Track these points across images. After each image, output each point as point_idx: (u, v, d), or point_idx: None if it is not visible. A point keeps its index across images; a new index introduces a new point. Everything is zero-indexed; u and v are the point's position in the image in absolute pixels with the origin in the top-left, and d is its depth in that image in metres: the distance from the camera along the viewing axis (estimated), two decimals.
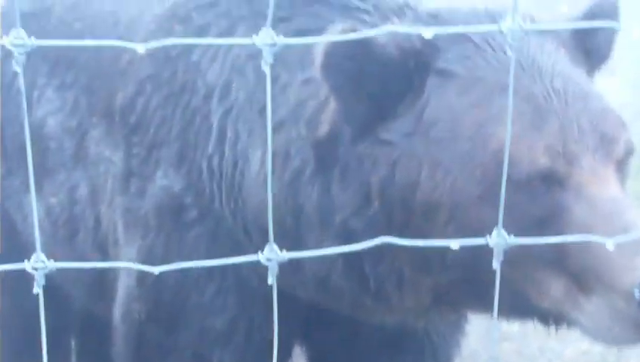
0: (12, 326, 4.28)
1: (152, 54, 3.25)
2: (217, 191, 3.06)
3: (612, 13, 2.87)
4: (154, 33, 3.31)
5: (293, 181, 2.86)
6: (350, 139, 2.73)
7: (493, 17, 2.70)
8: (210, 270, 3.10)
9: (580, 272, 2.45)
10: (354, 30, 2.54)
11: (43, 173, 3.58)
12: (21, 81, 1.72)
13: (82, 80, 3.60)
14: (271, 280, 1.91)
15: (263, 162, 2.93)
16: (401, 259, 2.71)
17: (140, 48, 1.81)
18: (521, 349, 5.29)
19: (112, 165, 3.37)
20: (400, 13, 2.89)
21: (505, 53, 2.66)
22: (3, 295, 4.19)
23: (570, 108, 2.58)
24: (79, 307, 4.19)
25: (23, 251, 3.88)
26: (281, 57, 2.87)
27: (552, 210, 2.51)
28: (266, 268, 2.92)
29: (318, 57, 2.65)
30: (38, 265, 1.81)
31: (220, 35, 3.15)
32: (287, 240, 2.82)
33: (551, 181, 2.52)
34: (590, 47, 2.87)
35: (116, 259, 3.40)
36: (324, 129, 2.80)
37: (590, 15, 2.86)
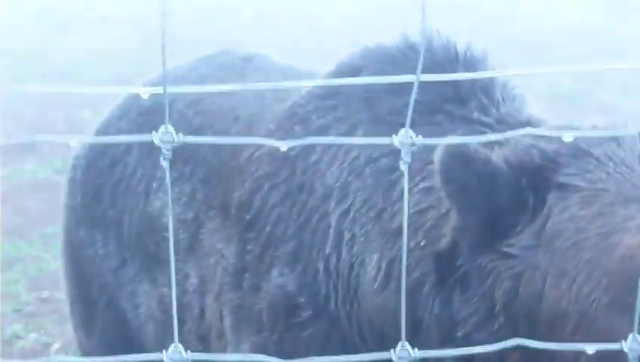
0: None
1: (270, 153, 3.31)
2: (334, 292, 3.08)
3: None
4: (273, 133, 3.37)
5: (413, 293, 2.87)
6: (469, 252, 2.75)
7: (615, 136, 2.75)
8: None
9: None
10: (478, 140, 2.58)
11: (157, 263, 3.64)
12: (167, 176, 1.76)
13: (200, 173, 3.66)
14: None
15: (379, 268, 2.95)
16: None
17: (283, 146, 1.84)
18: None
19: (224, 259, 3.41)
20: (524, 127, 2.90)
21: (627, 166, 2.68)
22: None
23: None
24: None
25: (127, 339, 3.94)
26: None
27: None
28: None
29: (436, 163, 2.69)
30: (176, 355, 1.86)
31: (339, 136, 3.20)
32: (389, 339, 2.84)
33: None
34: None
35: (222, 352, 3.41)
36: (445, 242, 2.82)
37: None
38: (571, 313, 2.60)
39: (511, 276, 2.68)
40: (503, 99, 3.11)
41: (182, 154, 3.73)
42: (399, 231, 2.92)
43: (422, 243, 2.87)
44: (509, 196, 2.69)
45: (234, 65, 3.98)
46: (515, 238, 2.70)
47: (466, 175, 2.67)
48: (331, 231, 3.10)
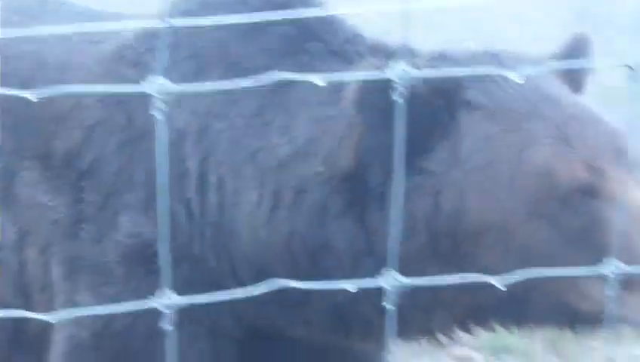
0: None
1: (102, 100, 3.19)
2: (199, 236, 3.06)
3: (585, 51, 3.19)
4: (103, 77, 3.25)
5: (315, 218, 2.92)
6: (385, 173, 2.82)
7: (496, 57, 2.96)
8: (181, 317, 3.05)
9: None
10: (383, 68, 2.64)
11: None
12: None
13: (7, 123, 3.46)
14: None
15: (259, 203, 2.96)
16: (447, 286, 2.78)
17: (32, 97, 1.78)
18: None
19: (52, 211, 3.27)
20: (407, 54, 2.99)
21: (516, 84, 2.87)
22: None
23: (588, 129, 2.84)
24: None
25: None
26: (274, 102, 2.94)
27: (592, 220, 2.75)
28: (243, 310, 2.96)
29: (351, 93, 2.77)
30: None
31: (184, 79, 3.07)
32: (298, 277, 2.87)
33: (589, 193, 2.76)
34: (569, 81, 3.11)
35: (46, 305, 3.28)
36: (348, 164, 2.88)
37: (566, 53, 3.17)
38: (493, 225, 2.79)
39: (431, 193, 2.82)
40: (355, 31, 3.21)
41: None
42: (283, 163, 2.95)
43: (320, 170, 2.92)
44: (424, 115, 2.80)
45: (30, 8, 3.76)
46: (432, 157, 2.84)
47: (381, 95, 2.66)
48: (191, 175, 3.06)
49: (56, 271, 3.25)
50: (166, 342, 1.96)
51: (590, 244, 2.72)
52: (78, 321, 3.17)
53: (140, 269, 3.08)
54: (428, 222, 2.82)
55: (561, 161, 2.78)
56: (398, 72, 1.82)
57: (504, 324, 3.06)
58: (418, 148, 2.80)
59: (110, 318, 3.06)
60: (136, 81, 3.13)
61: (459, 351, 5.86)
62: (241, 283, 3.01)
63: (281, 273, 2.95)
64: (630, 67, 1.96)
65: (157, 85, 1.66)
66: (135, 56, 3.25)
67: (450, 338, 3.19)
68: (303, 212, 2.93)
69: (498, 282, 2.07)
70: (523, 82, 2.78)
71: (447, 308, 2.93)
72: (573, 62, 3.15)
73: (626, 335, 5.78)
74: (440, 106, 2.85)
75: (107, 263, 3.13)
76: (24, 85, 3.26)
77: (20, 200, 3.38)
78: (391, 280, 1.88)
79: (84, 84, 3.24)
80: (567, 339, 5.74)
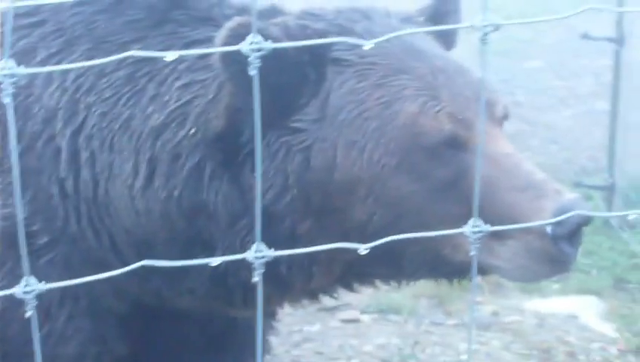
0: None
1: None
2: (74, 214, 3.02)
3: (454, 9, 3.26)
4: None
5: (191, 181, 2.91)
6: (252, 131, 2.80)
7: (364, 13, 2.99)
8: (62, 296, 3.04)
9: (492, 221, 2.52)
10: (247, 24, 2.62)
11: None
12: None
13: None
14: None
15: (136, 173, 2.95)
16: (320, 241, 2.74)
17: None
18: (322, 349, 5.46)
19: None
20: (275, 14, 3.02)
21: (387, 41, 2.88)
22: None
23: (454, 82, 2.88)
24: None
25: None
26: (144, 71, 2.93)
27: (458, 171, 2.79)
28: (125, 286, 2.94)
29: (217, 56, 2.74)
30: None
31: (50, 57, 3.09)
32: (176, 247, 2.92)
33: (455, 145, 2.80)
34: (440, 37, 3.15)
35: None
36: (220, 124, 2.88)
37: (435, 11, 3.23)
38: (364, 178, 2.81)
39: (301, 149, 2.83)
40: None
41: None
42: (156, 129, 2.94)
43: (192, 132, 2.91)
44: (292, 72, 2.81)
45: None
46: (301, 113, 2.85)
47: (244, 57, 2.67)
48: (63, 153, 3.01)
49: None
50: (31, 327, 1.92)
51: (458, 195, 2.76)
52: None
53: (14, 251, 3.02)
54: (299, 179, 2.84)
55: (427, 114, 2.81)
56: (247, 45, 1.81)
57: (383, 280, 3.12)
58: (288, 106, 2.84)
59: None
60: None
61: (346, 314, 5.92)
62: (122, 257, 3.00)
63: (160, 241, 2.96)
64: (496, 26, 1.94)
65: (4, 69, 1.61)
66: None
67: (334, 297, 3.23)
68: (179, 176, 2.92)
69: (363, 249, 2.07)
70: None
71: (325, 266, 2.94)
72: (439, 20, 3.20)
73: (509, 288, 5.90)
74: (307, 64, 2.85)
75: None
76: None
77: None
78: (256, 253, 1.88)
79: None
80: (453, 296, 5.85)
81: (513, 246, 2.76)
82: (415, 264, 2.92)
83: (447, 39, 3.20)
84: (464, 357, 5.38)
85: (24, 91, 3.07)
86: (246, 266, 2.73)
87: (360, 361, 5.40)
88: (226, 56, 2.72)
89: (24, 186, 3.04)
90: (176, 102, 2.96)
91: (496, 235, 2.67)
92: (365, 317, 5.88)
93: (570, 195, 2.75)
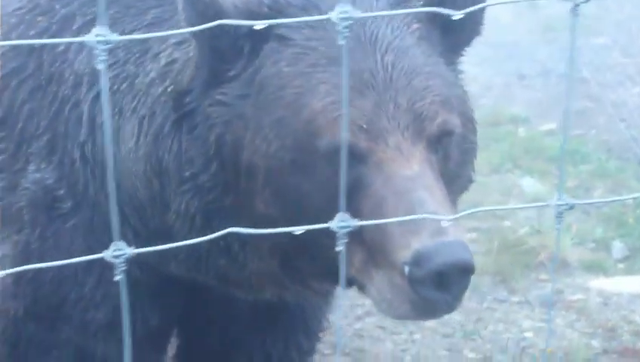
0: None
1: (14, 48, 3.19)
2: (92, 178, 3.03)
3: None
4: (17, 26, 3.24)
5: (156, 137, 2.85)
6: (199, 93, 2.78)
7: None
8: (89, 262, 3.05)
9: (371, 246, 2.53)
10: None
11: None
12: None
13: None
14: (119, 277, 1.91)
15: (132, 133, 2.91)
16: (239, 223, 2.68)
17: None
18: (384, 323, 5.45)
19: None
20: None
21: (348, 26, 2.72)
22: None
23: (392, 85, 2.65)
24: None
25: None
26: (152, 31, 2.93)
27: (353, 183, 2.55)
28: (147, 257, 2.96)
29: (179, 7, 2.68)
30: None
31: (86, 23, 3.12)
32: (156, 206, 2.88)
33: (352, 155, 2.54)
34: (451, 25, 2.83)
35: None
36: (185, 79, 2.81)
37: None
38: (261, 167, 2.68)
39: (222, 123, 2.73)
40: None
41: None
42: (148, 85, 2.91)
43: (169, 88, 2.85)
44: (227, 42, 2.71)
45: None
46: (228, 86, 2.74)
47: (199, 17, 2.61)
48: (84, 118, 3.03)
49: None
50: (121, 292, 1.94)
51: (352, 209, 2.43)
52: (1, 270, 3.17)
53: (43, 216, 3.08)
54: (217, 153, 2.74)
55: (326, 116, 2.61)
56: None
57: (317, 280, 2.95)
58: (219, 76, 2.74)
59: (24, 264, 3.06)
60: (48, 29, 3.18)
61: None
62: (128, 223, 2.98)
63: (148, 204, 2.93)
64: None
65: (98, 36, 1.63)
66: (47, 4, 3.23)
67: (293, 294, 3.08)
68: (150, 133, 2.87)
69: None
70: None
71: (257, 250, 2.84)
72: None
73: (574, 267, 5.84)
74: (244, 36, 2.73)
75: (20, 211, 3.13)
76: None
77: None
78: (339, 223, 1.93)
79: (3, 34, 3.24)
80: (516, 274, 5.82)
81: (381, 278, 2.56)
82: (318, 269, 2.81)
83: (461, 29, 2.89)
84: (528, 334, 5.35)
85: (60, 57, 3.12)
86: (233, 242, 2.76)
87: (422, 336, 5.39)
88: (187, 10, 2.65)
89: (53, 151, 3.09)
90: (167, 58, 2.91)
91: (374, 261, 2.54)
92: None
93: (445, 238, 2.46)
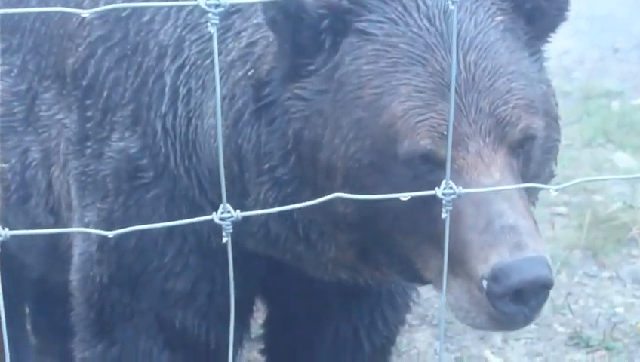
0: None
1: (102, 15, 3.20)
2: (172, 150, 3.04)
3: None
4: None
5: (235, 122, 2.82)
6: (277, 85, 2.74)
7: None
8: (170, 232, 3.08)
9: (450, 253, 2.45)
10: None
11: None
12: None
13: (29, 43, 3.53)
14: (225, 239, 1.90)
15: (213, 112, 2.89)
16: (316, 213, 2.71)
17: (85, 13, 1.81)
18: None
19: (66, 129, 3.32)
20: None
21: (429, 20, 2.65)
22: None
23: (474, 86, 2.58)
24: (34, 275, 4.09)
25: None
26: (238, 7, 2.91)
27: (433, 188, 2.41)
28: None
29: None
30: None
31: None
32: (236, 188, 2.85)
33: (432, 162, 2.53)
34: (535, 11, 2.79)
35: (70, 223, 3.36)
36: (265, 67, 2.78)
37: None
38: (340, 168, 2.64)
39: (300, 118, 2.69)
40: None
41: (9, 25, 3.57)
42: (229, 65, 2.88)
43: (250, 73, 2.82)
44: (308, 36, 2.67)
45: None
46: (307, 81, 2.69)
47: (280, 12, 2.62)
48: (167, 89, 3.03)
49: (72, 189, 3.32)
50: (228, 254, 1.98)
51: (428, 215, 2.53)
52: (87, 237, 3.25)
53: (126, 185, 3.11)
54: (295, 147, 2.70)
55: (407, 122, 2.55)
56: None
57: (387, 269, 2.92)
58: (299, 70, 2.69)
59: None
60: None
61: None
62: (207, 198, 2.99)
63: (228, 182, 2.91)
64: None
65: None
66: None
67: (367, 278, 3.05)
68: (230, 116, 2.84)
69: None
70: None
71: (334, 241, 2.82)
72: None
73: None
74: (325, 30, 2.67)
75: (104, 179, 3.17)
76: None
77: (42, 120, 3.45)
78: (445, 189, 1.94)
79: (86, 2, 3.28)
80: (608, 249, 5.75)
81: (459, 287, 2.54)
82: (394, 264, 2.80)
83: (544, 14, 2.81)
84: (619, 309, 5.29)
85: (145, 27, 3.12)
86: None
87: None
88: (268, 5, 2.62)
89: (136, 121, 3.10)
90: (247, 39, 2.87)
91: (451, 269, 2.49)
92: None
93: (524, 254, 2.45)
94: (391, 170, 2.59)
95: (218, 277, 3.12)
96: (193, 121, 2.98)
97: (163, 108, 3.04)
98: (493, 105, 2.58)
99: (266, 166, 2.76)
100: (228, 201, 2.80)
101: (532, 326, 5.15)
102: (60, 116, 3.37)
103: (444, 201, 2.02)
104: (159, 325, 3.24)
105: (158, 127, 3.06)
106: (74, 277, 3.36)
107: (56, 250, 3.56)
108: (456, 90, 2.56)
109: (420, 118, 2.55)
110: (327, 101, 2.67)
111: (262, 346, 3.93)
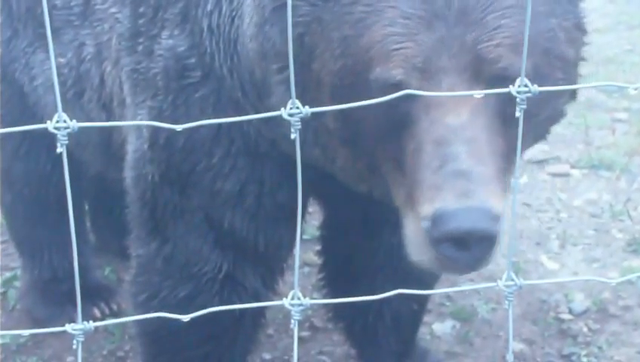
0: (24, 190, 4.20)
1: None
2: (217, 50, 2.99)
3: None
4: None
5: (260, 20, 2.78)
6: None
7: None
8: (217, 133, 3.06)
9: (409, 186, 2.45)
10: None
11: (50, 33, 3.46)
12: None
13: None
14: (293, 135, 1.84)
15: (252, 13, 2.82)
16: (315, 122, 2.69)
17: None
18: (529, 200, 5.45)
19: (119, 24, 3.30)
20: None
21: None
22: (14, 160, 4.08)
23: (464, 19, 2.46)
24: (92, 172, 4.12)
25: (30, 114, 3.82)
26: None
27: (402, 117, 2.46)
28: (267, 132, 2.95)
29: None
30: (61, 125, 1.75)
31: None
32: (264, 88, 2.82)
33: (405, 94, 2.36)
34: None
35: (122, 119, 3.36)
36: None
37: None
38: (327, 83, 2.59)
39: (303, 22, 2.62)
40: None
41: None
42: None
43: None
44: None
45: None
46: None
47: None
48: None
49: (125, 86, 3.30)
50: (295, 152, 1.96)
51: (398, 146, 2.48)
52: (140, 135, 3.24)
53: (175, 83, 3.07)
54: (301, 48, 2.62)
55: (382, 49, 2.47)
56: None
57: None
58: None
59: (157, 131, 3.09)
60: None
61: (556, 167, 5.81)
62: (248, 99, 2.95)
63: (258, 81, 2.87)
64: None
65: None
66: None
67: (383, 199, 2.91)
68: (259, 14, 2.78)
69: None
70: None
71: (337, 150, 2.77)
72: None
73: None
74: None
75: (155, 77, 3.13)
76: None
77: (96, 13, 3.43)
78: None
79: None
80: None
81: (410, 222, 2.49)
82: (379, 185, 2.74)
83: None
84: None
85: None
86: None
87: (568, 215, 5.32)
88: None
89: (185, 18, 3.05)
90: None
91: (409, 202, 2.46)
92: (575, 172, 5.76)
93: (468, 202, 2.36)
94: (367, 94, 2.42)
95: (267, 179, 3.11)
96: (235, 20, 2.93)
97: (209, 7, 2.99)
98: (477, 40, 2.45)
99: (280, 65, 2.72)
100: (265, 102, 2.78)
101: (590, 231, 5.11)
102: (113, 10, 3.34)
103: (517, 100, 1.89)
104: (209, 224, 3.23)
105: (205, 25, 3.01)
106: (128, 175, 3.37)
107: (110, 147, 3.57)
108: (446, 19, 2.45)
109: (396, 46, 2.45)
110: (327, 10, 2.58)
111: (319, 247, 3.95)
